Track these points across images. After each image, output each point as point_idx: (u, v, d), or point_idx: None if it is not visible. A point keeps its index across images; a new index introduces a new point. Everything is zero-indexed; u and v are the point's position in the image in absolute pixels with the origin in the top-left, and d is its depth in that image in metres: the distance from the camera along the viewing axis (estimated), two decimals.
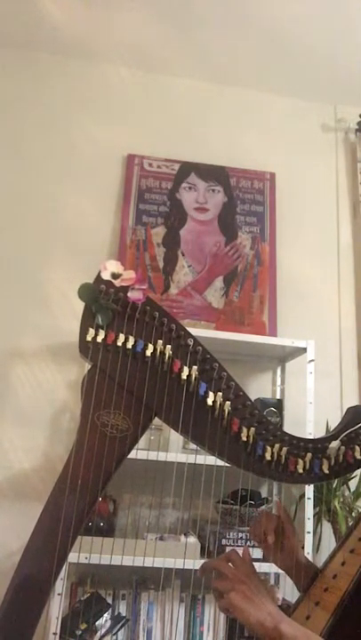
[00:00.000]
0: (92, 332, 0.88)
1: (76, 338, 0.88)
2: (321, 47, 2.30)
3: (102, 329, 0.88)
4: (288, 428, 1.95)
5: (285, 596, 1.81)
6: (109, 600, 1.76)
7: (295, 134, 2.55)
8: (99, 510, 1.79)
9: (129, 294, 0.89)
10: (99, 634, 1.65)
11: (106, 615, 1.70)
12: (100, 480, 0.83)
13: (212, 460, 0.91)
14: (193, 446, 1.45)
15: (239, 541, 1.80)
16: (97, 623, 1.67)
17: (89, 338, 0.87)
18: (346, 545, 1.00)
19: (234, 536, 1.80)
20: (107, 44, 2.37)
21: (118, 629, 1.71)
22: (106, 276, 0.90)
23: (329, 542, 1.99)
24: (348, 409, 0.97)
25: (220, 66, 2.45)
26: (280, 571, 1.09)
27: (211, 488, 1.46)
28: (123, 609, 1.79)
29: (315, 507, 1.87)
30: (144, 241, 2.26)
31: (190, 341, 0.90)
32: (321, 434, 1.79)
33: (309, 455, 0.90)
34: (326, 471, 0.90)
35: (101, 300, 0.88)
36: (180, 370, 0.88)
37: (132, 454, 0.87)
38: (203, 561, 0.89)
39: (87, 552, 1.57)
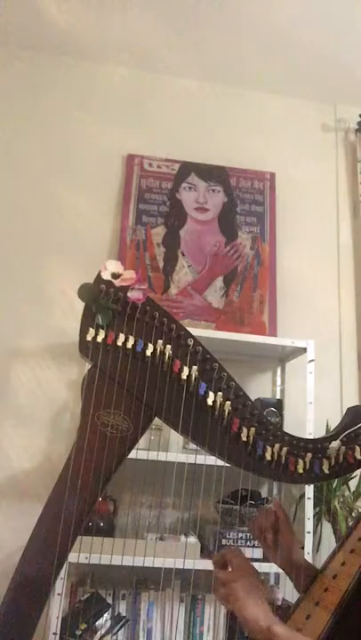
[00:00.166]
0: (92, 331, 0.88)
1: (76, 338, 0.88)
2: (321, 47, 2.29)
3: (102, 329, 0.88)
4: (288, 428, 1.96)
5: (285, 596, 1.82)
6: (109, 600, 1.76)
7: (295, 134, 2.55)
8: (99, 510, 1.79)
9: (129, 294, 0.89)
10: (99, 634, 1.65)
11: (106, 615, 1.70)
12: (100, 480, 0.83)
13: (212, 459, 0.91)
14: (193, 446, 1.45)
15: (239, 541, 1.80)
16: (97, 623, 1.66)
17: (89, 338, 0.88)
18: (346, 545, 1.00)
19: (234, 536, 1.80)
20: (107, 44, 2.37)
21: (118, 629, 1.71)
22: (106, 275, 0.90)
23: (329, 542, 1.99)
24: (349, 409, 0.97)
25: (220, 66, 2.45)
26: (280, 571, 1.10)
27: (211, 488, 1.47)
28: (123, 609, 1.79)
29: (315, 507, 1.87)
30: (144, 241, 2.26)
31: (190, 341, 0.90)
32: (321, 434, 1.79)
33: (309, 455, 0.90)
34: (326, 471, 0.91)
35: (101, 300, 0.88)
36: (180, 370, 0.88)
37: (132, 454, 0.88)
38: (203, 561, 0.89)
39: (87, 552, 1.56)
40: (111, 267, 0.90)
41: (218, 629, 1.82)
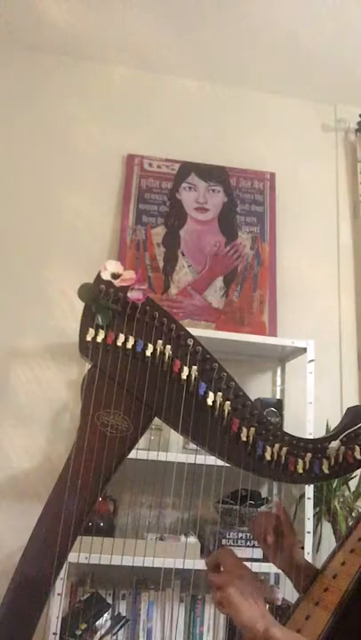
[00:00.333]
0: (92, 331, 0.88)
1: (76, 338, 0.88)
2: (321, 47, 2.30)
3: (102, 329, 0.88)
4: (288, 428, 1.96)
5: (285, 596, 1.81)
6: (109, 600, 1.76)
7: (295, 134, 2.55)
8: (99, 510, 1.79)
9: (129, 294, 0.89)
10: (99, 634, 1.65)
11: (106, 615, 1.70)
12: (100, 480, 0.83)
13: (212, 459, 0.91)
14: (193, 446, 1.45)
15: (239, 541, 1.80)
16: (97, 623, 1.67)
17: (89, 338, 0.88)
18: (346, 545, 1.00)
19: (234, 536, 1.80)
20: (107, 44, 2.37)
21: (118, 629, 1.71)
22: (106, 276, 0.90)
23: (329, 542, 1.99)
24: (348, 409, 0.97)
25: (220, 66, 2.45)
26: (280, 571, 1.09)
27: (211, 488, 1.47)
28: (123, 609, 1.79)
29: (315, 507, 1.87)
30: (144, 241, 2.26)
31: (190, 341, 0.90)
32: (321, 434, 1.79)
33: (309, 455, 0.90)
34: (326, 471, 0.90)
35: (101, 300, 0.88)
36: (180, 370, 0.88)
37: (132, 454, 0.88)
38: (203, 561, 0.89)
39: (87, 552, 1.56)
40: (111, 267, 0.90)
41: (218, 629, 1.82)
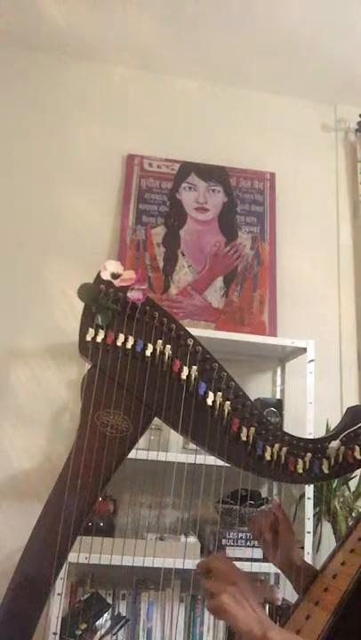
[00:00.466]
0: (91, 331, 0.88)
1: (76, 338, 0.88)
2: (321, 47, 2.30)
3: (102, 329, 0.88)
4: (288, 428, 1.96)
5: (285, 596, 1.82)
6: (109, 600, 1.76)
7: (295, 134, 2.55)
8: (99, 510, 1.79)
9: (129, 294, 0.89)
10: (99, 634, 1.65)
11: (106, 615, 1.70)
12: (100, 480, 0.83)
13: (212, 459, 0.91)
14: (193, 446, 1.45)
15: (239, 541, 1.80)
16: (97, 623, 1.67)
17: (89, 338, 0.88)
18: (346, 545, 1.00)
19: (234, 536, 1.80)
20: (107, 43, 2.37)
21: (118, 629, 1.71)
22: (106, 276, 0.90)
23: (329, 542, 1.99)
24: (348, 409, 0.97)
25: (220, 66, 2.45)
26: (280, 571, 1.09)
27: (211, 488, 1.47)
28: (123, 609, 1.79)
29: (315, 507, 1.87)
30: (144, 241, 2.26)
31: (190, 341, 0.90)
32: (321, 434, 1.79)
33: (309, 455, 0.90)
34: (326, 471, 0.90)
35: (101, 300, 0.88)
36: (180, 370, 0.88)
37: (132, 454, 0.88)
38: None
39: (87, 552, 1.56)
40: (111, 267, 0.90)
41: (218, 629, 1.82)
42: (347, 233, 2.48)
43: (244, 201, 2.39)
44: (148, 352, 0.88)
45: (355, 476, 1.97)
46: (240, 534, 1.80)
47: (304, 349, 1.96)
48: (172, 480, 1.51)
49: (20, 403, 2.05)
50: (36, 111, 2.39)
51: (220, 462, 0.90)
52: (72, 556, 1.53)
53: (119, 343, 0.88)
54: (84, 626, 1.63)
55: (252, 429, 0.89)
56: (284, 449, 0.89)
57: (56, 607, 1.64)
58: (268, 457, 0.88)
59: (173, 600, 1.81)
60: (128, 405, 0.86)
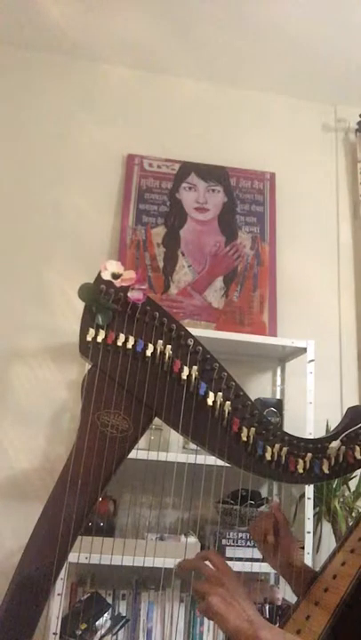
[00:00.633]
0: (92, 332, 0.87)
1: (76, 338, 0.88)
2: (321, 47, 2.30)
3: (102, 329, 0.88)
4: (288, 428, 1.96)
5: (285, 597, 1.82)
6: (109, 600, 1.76)
7: (295, 134, 2.55)
8: (99, 510, 1.79)
9: (129, 294, 0.89)
10: (99, 634, 1.65)
11: (106, 615, 1.70)
12: (101, 480, 0.83)
13: (212, 460, 0.91)
14: (193, 446, 1.45)
15: (239, 541, 1.80)
16: (97, 623, 1.66)
17: (89, 338, 0.87)
18: (346, 545, 1.00)
19: (234, 536, 1.80)
20: (107, 43, 2.37)
21: (118, 629, 1.71)
22: (106, 276, 0.90)
23: (329, 542, 1.99)
24: (349, 409, 0.97)
25: (220, 66, 2.45)
26: None
27: (211, 488, 1.47)
28: (123, 609, 1.79)
29: (315, 507, 1.87)
30: (144, 241, 2.26)
31: (190, 341, 0.90)
32: (321, 434, 1.79)
33: (309, 455, 0.90)
34: (326, 471, 0.90)
35: (102, 300, 0.88)
36: (181, 370, 0.88)
37: (133, 454, 0.87)
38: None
39: (87, 552, 1.57)
40: (111, 267, 0.90)
41: (218, 629, 1.82)
42: (347, 233, 2.48)
43: (244, 201, 2.39)
44: (149, 352, 0.88)
45: (355, 476, 1.97)
46: (240, 534, 1.80)
47: (304, 349, 1.96)
48: (172, 480, 1.51)
49: (20, 403, 2.05)
50: (36, 111, 2.39)
51: (220, 462, 0.90)
52: (72, 556, 1.54)
53: (120, 343, 0.87)
54: (84, 626, 1.63)
55: (253, 429, 0.88)
56: (285, 449, 0.89)
57: (56, 607, 1.64)
58: (268, 457, 0.88)
59: (173, 600, 1.81)
60: (128, 405, 0.86)
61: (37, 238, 2.24)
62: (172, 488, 1.87)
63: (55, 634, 1.61)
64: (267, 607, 1.80)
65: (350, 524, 1.30)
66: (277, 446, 0.89)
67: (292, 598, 1.44)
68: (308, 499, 1.82)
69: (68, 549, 0.81)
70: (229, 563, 0.87)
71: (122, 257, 2.20)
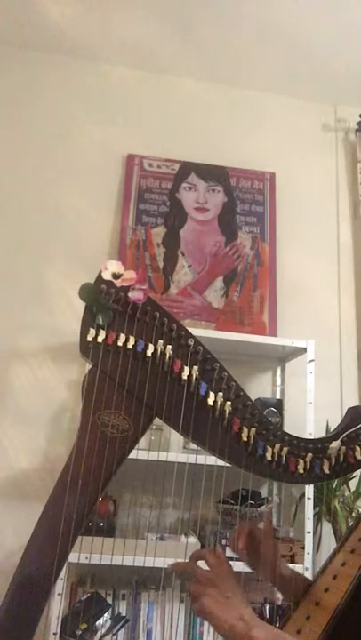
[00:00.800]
0: (92, 332, 0.87)
1: (76, 338, 0.88)
2: (321, 47, 2.30)
3: (103, 329, 0.88)
4: (288, 428, 1.96)
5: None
6: (109, 600, 1.76)
7: (295, 134, 2.55)
8: (99, 510, 1.79)
9: (129, 294, 0.89)
10: (99, 634, 1.65)
11: (106, 615, 1.70)
12: (101, 480, 0.83)
13: (212, 459, 0.91)
14: (193, 446, 1.45)
15: None
16: (97, 623, 1.67)
17: (89, 338, 0.87)
18: (346, 545, 1.00)
19: None
20: (107, 43, 2.37)
21: (118, 629, 1.71)
22: (107, 276, 0.90)
23: (329, 542, 1.99)
24: (349, 409, 0.97)
25: (220, 66, 2.45)
26: None
27: (211, 488, 1.47)
28: (123, 609, 1.79)
29: (315, 507, 1.87)
30: (144, 241, 2.26)
31: (191, 341, 0.90)
32: (321, 434, 1.80)
33: (310, 455, 0.90)
34: (326, 471, 0.90)
35: (102, 300, 0.88)
36: (181, 370, 0.88)
37: (133, 454, 0.87)
38: (203, 562, 0.89)
39: (87, 552, 1.57)
40: (112, 267, 0.90)
41: None
42: (347, 233, 2.48)
43: (244, 201, 2.39)
44: (149, 352, 0.88)
45: (355, 476, 1.97)
46: None
47: (304, 349, 1.96)
48: (172, 480, 1.51)
49: (20, 403, 2.05)
50: (36, 111, 2.39)
51: (220, 462, 0.90)
52: (72, 556, 1.53)
53: (120, 343, 0.88)
54: (84, 626, 1.63)
55: (253, 429, 0.89)
56: (285, 449, 0.89)
57: (56, 607, 1.64)
58: (268, 457, 0.88)
59: (173, 600, 1.81)
60: (129, 405, 0.86)
61: (37, 238, 2.24)
62: (173, 488, 1.87)
63: (55, 634, 1.61)
64: (267, 607, 1.80)
65: (350, 524, 1.30)
66: (278, 446, 0.89)
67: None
68: (308, 499, 1.82)
69: (69, 549, 0.81)
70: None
71: (122, 257, 2.20)
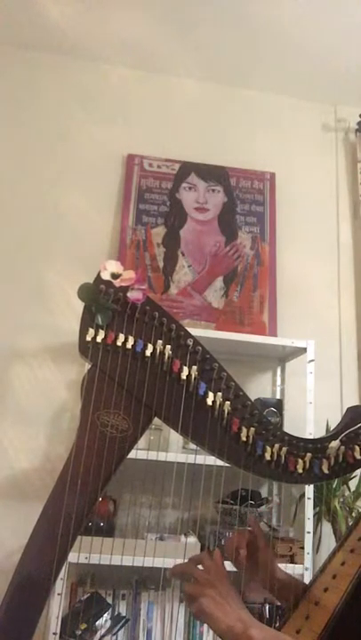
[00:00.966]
0: (91, 331, 0.87)
1: (76, 338, 0.88)
2: (321, 47, 2.30)
3: (102, 329, 0.88)
4: (288, 428, 1.96)
5: None
6: (109, 600, 1.76)
7: (295, 134, 2.55)
8: (99, 510, 1.79)
9: (129, 294, 0.89)
10: (99, 634, 1.65)
11: (106, 615, 1.70)
12: (100, 480, 0.83)
13: (211, 460, 0.91)
14: (193, 446, 1.45)
15: None
16: (97, 623, 1.67)
17: (89, 338, 0.87)
18: (346, 545, 1.00)
19: None
20: (107, 43, 2.37)
21: (118, 629, 1.71)
22: (106, 276, 0.90)
23: (329, 542, 1.99)
24: (348, 409, 0.97)
25: (220, 66, 2.45)
26: None
27: (210, 488, 1.47)
28: (123, 609, 1.79)
29: (315, 507, 1.87)
30: (144, 241, 2.26)
31: (190, 341, 0.90)
32: (321, 434, 1.79)
33: (309, 455, 0.90)
34: (326, 471, 0.90)
35: (101, 300, 0.88)
36: (180, 370, 0.88)
37: (132, 454, 0.87)
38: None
39: (87, 552, 1.56)
40: (111, 267, 0.90)
41: None
42: (347, 233, 2.48)
43: (244, 201, 2.39)
44: (148, 352, 0.88)
45: (355, 476, 1.97)
46: None
47: (304, 349, 1.96)
48: (172, 480, 1.51)
49: (20, 403, 2.05)
50: (36, 111, 2.39)
51: (220, 462, 0.90)
52: (72, 556, 1.54)
53: (119, 343, 0.88)
54: (84, 626, 1.63)
55: (253, 429, 0.88)
56: (284, 449, 0.89)
57: (56, 607, 1.64)
58: (268, 457, 0.88)
59: (173, 600, 1.81)
60: (128, 405, 0.86)
61: (37, 238, 2.24)
62: (172, 488, 1.87)
63: (55, 634, 1.61)
64: (267, 607, 1.80)
65: (350, 523, 1.30)
66: (277, 446, 0.89)
67: None
68: (308, 499, 1.82)
69: (68, 549, 0.81)
70: (229, 563, 0.87)
71: (122, 257, 2.20)
